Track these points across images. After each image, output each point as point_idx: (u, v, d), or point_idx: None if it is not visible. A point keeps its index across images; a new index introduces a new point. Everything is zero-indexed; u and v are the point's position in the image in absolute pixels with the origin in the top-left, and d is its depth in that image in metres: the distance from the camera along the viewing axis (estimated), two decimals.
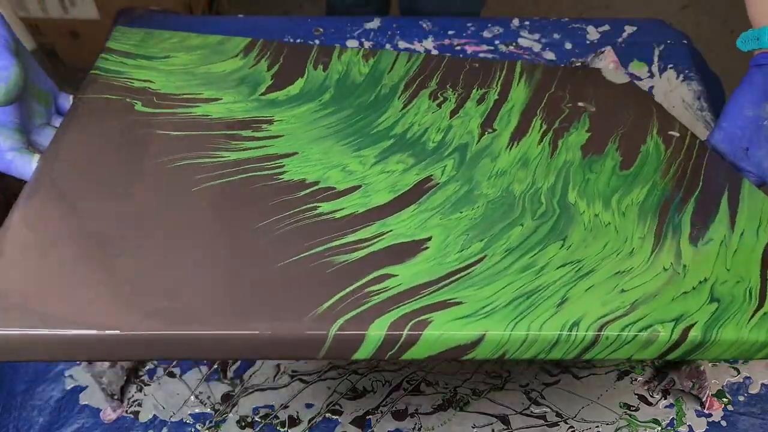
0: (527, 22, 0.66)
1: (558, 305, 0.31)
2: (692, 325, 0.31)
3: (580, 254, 0.35)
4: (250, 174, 0.36)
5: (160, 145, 0.36)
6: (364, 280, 0.30)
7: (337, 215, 0.34)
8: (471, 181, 0.39)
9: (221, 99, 0.42)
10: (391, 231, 0.33)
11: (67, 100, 0.39)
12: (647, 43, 0.64)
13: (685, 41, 0.65)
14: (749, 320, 0.32)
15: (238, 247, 0.31)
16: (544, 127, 0.46)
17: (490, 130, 0.44)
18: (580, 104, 0.49)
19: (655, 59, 0.63)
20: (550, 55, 0.63)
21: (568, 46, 0.64)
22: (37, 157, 0.34)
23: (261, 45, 0.49)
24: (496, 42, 0.64)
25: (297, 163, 0.37)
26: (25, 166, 0.33)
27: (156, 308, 0.26)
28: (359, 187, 0.36)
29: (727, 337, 0.31)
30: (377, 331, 0.27)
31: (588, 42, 0.65)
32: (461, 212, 0.36)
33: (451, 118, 0.45)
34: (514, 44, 0.64)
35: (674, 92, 0.60)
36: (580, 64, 0.62)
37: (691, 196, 0.41)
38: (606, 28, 0.66)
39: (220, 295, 0.28)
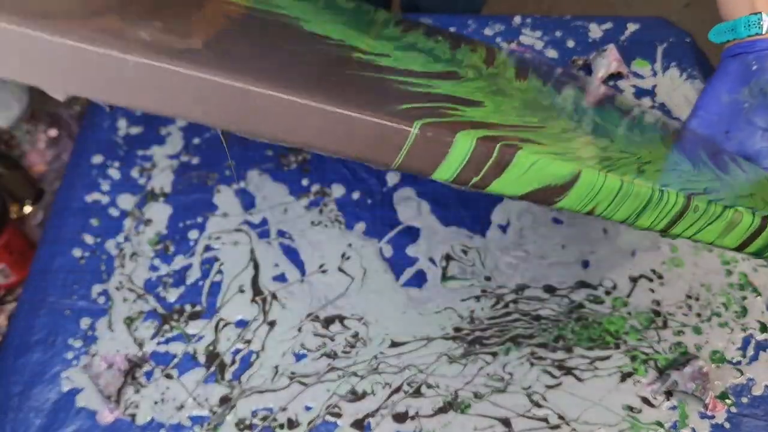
0: (529, 20, 0.65)
1: (639, 171, 0.29)
2: None
3: (633, 150, 0.33)
4: (266, 17, 0.32)
5: None
6: (435, 104, 0.27)
7: (377, 63, 0.31)
8: (497, 84, 0.37)
9: None
10: (439, 87, 0.31)
11: None
12: (650, 41, 0.63)
13: (688, 39, 0.64)
14: None
15: (296, 51, 0.28)
16: (543, 78, 0.45)
17: (493, 67, 0.42)
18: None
19: (658, 57, 0.62)
20: (552, 53, 0.63)
21: (571, 43, 0.64)
22: None
23: None
24: (498, 39, 0.64)
25: (314, 26, 0.34)
26: None
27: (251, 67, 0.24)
28: (388, 55, 0.33)
29: None
30: (466, 140, 0.24)
31: (590, 40, 0.64)
32: (501, 97, 0.34)
33: (452, 51, 0.43)
34: (515, 42, 0.63)
35: (677, 90, 0.60)
36: (582, 62, 0.61)
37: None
38: (608, 25, 0.65)
39: (296, 73, 0.26)
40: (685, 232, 0.29)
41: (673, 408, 0.43)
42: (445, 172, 0.25)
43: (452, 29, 0.60)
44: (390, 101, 0.25)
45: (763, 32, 0.41)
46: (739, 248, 0.31)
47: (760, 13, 0.40)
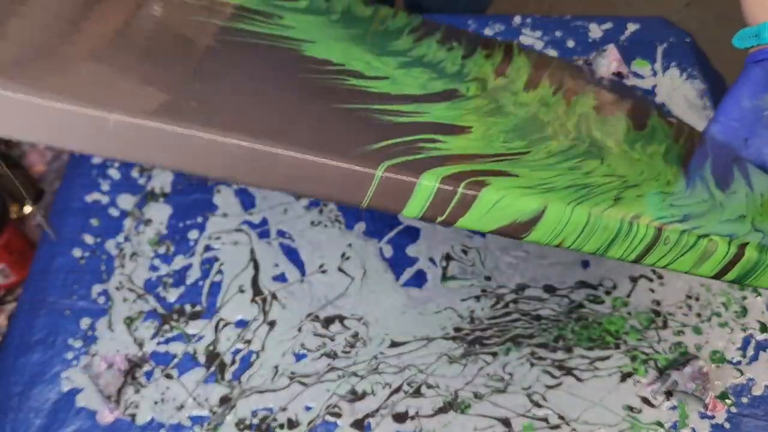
0: (529, 20, 0.65)
1: (615, 199, 0.29)
2: (746, 244, 0.30)
3: (622, 172, 0.34)
4: (270, 42, 0.34)
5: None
6: (413, 137, 0.28)
7: (370, 90, 0.33)
8: (497, 101, 0.38)
9: None
10: (429, 113, 0.32)
11: None
12: (650, 41, 0.63)
13: (688, 39, 0.64)
14: None
15: (283, 85, 0.30)
16: (555, 85, 0.45)
17: (503, 77, 0.43)
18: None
19: (658, 57, 0.62)
20: (552, 53, 0.63)
21: (571, 44, 0.64)
22: None
23: None
24: (498, 39, 0.64)
25: (318, 47, 0.35)
26: None
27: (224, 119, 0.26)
28: (387, 78, 0.35)
29: None
30: (429, 181, 0.25)
31: (590, 40, 0.64)
32: (495, 118, 0.35)
33: (463, 60, 0.44)
34: (516, 42, 0.63)
35: (677, 90, 0.60)
36: (582, 62, 0.61)
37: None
38: (609, 25, 0.65)
39: (270, 117, 0.27)
40: (658, 263, 0.29)
41: (673, 408, 0.43)
42: (413, 211, 0.26)
43: None
44: (364, 140, 0.26)
45: None
46: (716, 277, 0.31)
47: None
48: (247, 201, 0.53)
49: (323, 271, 0.49)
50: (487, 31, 0.64)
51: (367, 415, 0.42)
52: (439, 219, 0.26)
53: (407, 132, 0.29)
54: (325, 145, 0.25)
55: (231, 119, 0.25)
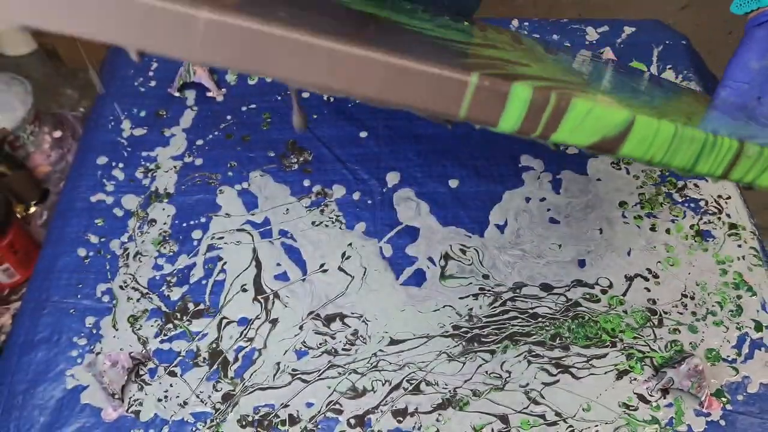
0: (526, 23, 0.66)
1: (688, 118, 0.30)
2: None
3: (675, 104, 0.36)
4: None
5: None
6: (492, 61, 0.30)
7: (424, 31, 0.34)
8: (534, 54, 0.39)
9: None
10: (487, 52, 0.34)
11: None
12: (646, 44, 0.64)
13: (684, 42, 0.65)
14: None
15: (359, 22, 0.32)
16: (571, 54, 0.47)
17: (522, 45, 0.44)
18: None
19: (654, 60, 0.63)
20: None
21: (568, 47, 0.64)
22: None
23: None
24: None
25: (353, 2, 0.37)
26: None
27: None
28: (430, 29, 0.36)
29: None
30: (524, 89, 0.25)
31: (587, 43, 0.65)
32: (544, 63, 0.36)
33: (482, 31, 0.44)
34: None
35: None
36: None
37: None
38: (605, 28, 0.66)
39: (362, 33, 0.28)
40: (745, 177, 0.29)
41: (669, 405, 0.44)
42: (509, 122, 0.26)
43: None
44: (447, 57, 0.27)
45: None
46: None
47: None
48: (249, 201, 0.53)
49: (324, 271, 0.50)
50: None
51: (368, 412, 0.43)
52: (534, 134, 0.26)
53: (482, 58, 0.30)
54: (420, 56, 0.25)
55: (315, 25, 0.25)
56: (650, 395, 0.44)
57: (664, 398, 0.44)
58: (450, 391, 0.44)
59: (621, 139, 0.27)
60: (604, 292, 0.49)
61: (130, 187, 0.54)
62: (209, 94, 0.60)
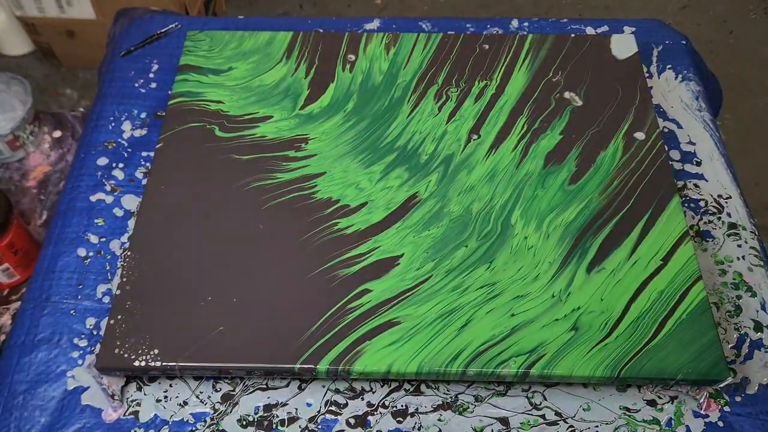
0: (526, 23, 0.66)
1: (460, 329, 0.41)
2: (537, 360, 0.40)
3: (498, 277, 0.44)
4: (295, 194, 0.48)
5: (235, 169, 0.49)
6: (347, 297, 0.43)
7: (348, 231, 0.46)
8: (444, 197, 0.48)
9: (272, 117, 0.53)
10: (379, 247, 0.45)
11: None
12: (646, 44, 0.64)
13: (684, 42, 0.65)
14: (589, 351, 0.40)
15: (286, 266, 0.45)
16: (525, 128, 0.53)
17: (475, 137, 0.52)
18: (567, 96, 0.54)
19: (654, 60, 0.63)
20: None
21: None
22: None
23: (300, 42, 0.58)
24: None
25: (325, 182, 0.49)
26: None
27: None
28: (366, 204, 0.48)
29: (560, 372, 0.40)
30: (323, 365, 0.40)
31: None
32: (429, 230, 0.46)
33: (447, 122, 0.53)
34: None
35: (673, 92, 0.60)
36: None
37: (614, 216, 0.47)
38: (605, 28, 0.66)
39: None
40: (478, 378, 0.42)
41: (669, 406, 0.44)
42: (321, 375, 0.43)
43: (450, 33, 0.61)
44: (306, 322, 0.43)
45: None
46: (515, 383, 0.43)
47: None
48: None
49: None
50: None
51: (367, 412, 0.43)
52: (338, 376, 0.42)
53: (351, 286, 0.44)
54: (273, 353, 0.42)
55: None
56: (650, 396, 0.44)
57: (664, 399, 0.44)
58: (451, 396, 0.44)
59: (386, 374, 0.42)
60: None
61: (130, 187, 0.54)
62: None
